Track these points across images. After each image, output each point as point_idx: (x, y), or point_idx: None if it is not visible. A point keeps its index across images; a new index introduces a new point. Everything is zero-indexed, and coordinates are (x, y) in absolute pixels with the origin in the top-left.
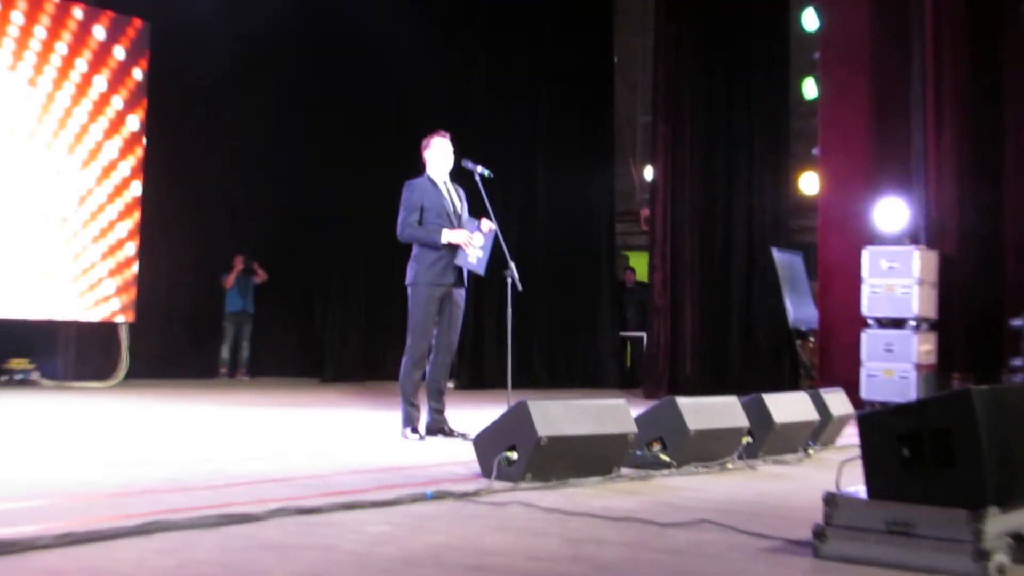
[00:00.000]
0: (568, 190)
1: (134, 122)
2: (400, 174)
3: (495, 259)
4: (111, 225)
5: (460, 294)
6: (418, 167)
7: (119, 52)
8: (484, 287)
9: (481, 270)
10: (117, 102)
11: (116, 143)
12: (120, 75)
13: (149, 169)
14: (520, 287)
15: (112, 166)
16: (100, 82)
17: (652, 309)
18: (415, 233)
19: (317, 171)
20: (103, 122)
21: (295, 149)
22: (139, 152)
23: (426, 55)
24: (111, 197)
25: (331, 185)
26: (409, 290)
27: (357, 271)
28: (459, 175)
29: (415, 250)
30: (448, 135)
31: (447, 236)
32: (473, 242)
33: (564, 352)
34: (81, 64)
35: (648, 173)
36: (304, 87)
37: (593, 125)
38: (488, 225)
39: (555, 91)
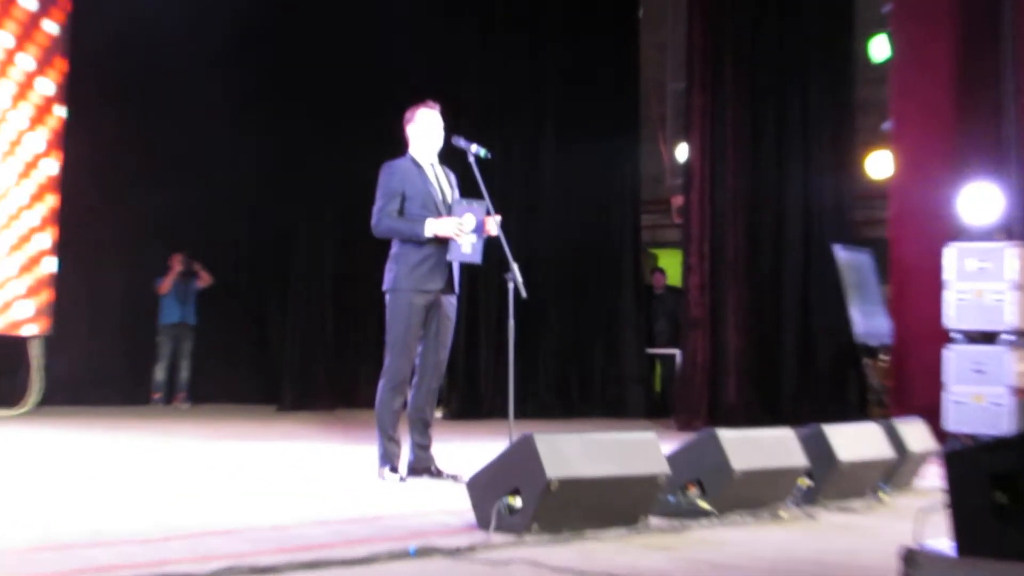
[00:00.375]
0: (583, 174)
1: (46, 87)
2: (375, 160)
3: (493, 260)
4: (19, 212)
5: (450, 303)
6: (398, 149)
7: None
8: (480, 293)
9: (478, 258)
10: (26, 62)
11: (25, 111)
12: (29, 29)
13: (69, 147)
14: (524, 293)
15: (19, 140)
16: (5, 38)
17: (687, 320)
18: (393, 225)
19: (275, 156)
20: (9, 86)
21: (250, 129)
22: (54, 124)
23: (409, 11)
24: (19, 177)
25: (291, 172)
26: (388, 298)
27: (323, 275)
28: (449, 156)
29: (394, 248)
30: (437, 106)
31: (432, 228)
32: (464, 226)
33: (579, 373)
34: None
35: (681, 152)
36: (264, 58)
37: (613, 93)
38: (470, 217)
39: (566, 53)
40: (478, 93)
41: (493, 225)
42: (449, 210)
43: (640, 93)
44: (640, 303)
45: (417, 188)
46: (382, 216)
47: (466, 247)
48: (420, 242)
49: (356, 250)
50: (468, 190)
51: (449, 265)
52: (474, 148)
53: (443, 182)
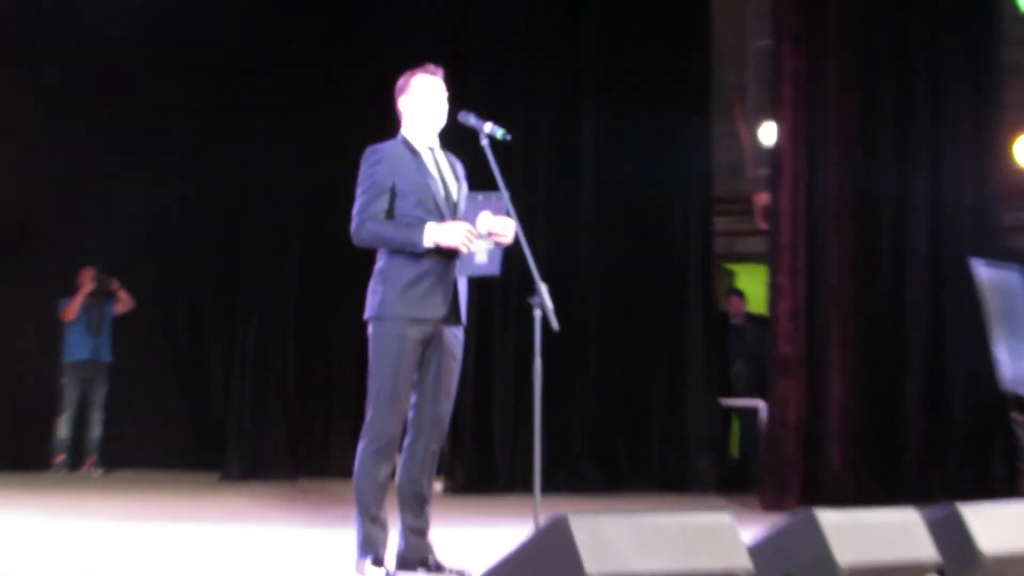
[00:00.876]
0: (634, 163)
1: None
2: (351, 148)
3: (514, 278)
4: None
5: (455, 336)
6: (386, 132)
7: None
8: (495, 323)
9: (496, 269)
10: None
11: None
12: None
13: None
14: (556, 324)
15: None
16: None
17: (775, 361)
18: (380, 232)
19: (218, 144)
20: None
21: (183, 110)
22: None
23: None
24: None
25: (239, 165)
26: (371, 329)
27: (283, 299)
28: (455, 138)
29: (380, 261)
30: (439, 72)
31: (433, 235)
32: (479, 229)
33: (628, 433)
34: None
35: (767, 134)
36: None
37: (676, 53)
38: (487, 219)
39: (612, 3)
40: (494, 53)
41: (505, 227)
42: (455, 210)
43: (712, 53)
44: (711, 337)
45: (411, 181)
46: (364, 219)
47: (480, 255)
48: (416, 254)
49: (327, 266)
50: (480, 184)
51: (455, 285)
52: (488, 127)
53: (446, 173)
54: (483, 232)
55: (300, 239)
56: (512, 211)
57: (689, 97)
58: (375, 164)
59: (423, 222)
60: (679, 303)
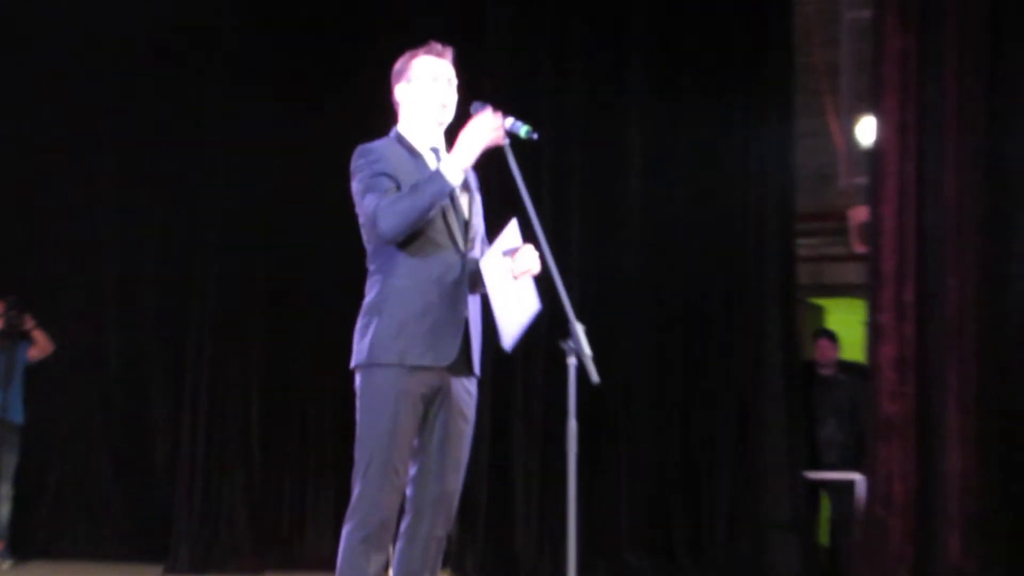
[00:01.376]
0: (694, 170)
1: None
2: (332, 149)
3: (540, 318)
4: None
5: (467, 391)
6: (373, 129)
7: None
8: (515, 374)
9: (535, 303)
10: None
11: None
12: None
13: None
14: (595, 376)
15: None
16: None
17: (876, 422)
18: (406, 204)
19: (159, 158)
20: None
21: (118, 120)
22: None
23: None
24: None
25: (188, 183)
26: (359, 380)
27: (245, 345)
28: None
29: (371, 292)
30: (448, 51)
31: (457, 161)
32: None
33: (686, 513)
34: None
35: (866, 132)
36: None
37: (747, 35)
38: (511, 240)
39: None
40: (516, 31)
41: (529, 260)
42: (466, 229)
43: (794, 29)
44: (793, 392)
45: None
46: (381, 201)
47: (513, 310)
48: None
49: (302, 304)
50: (501, 192)
51: (466, 323)
52: (509, 123)
53: None
54: (508, 271)
55: (267, 271)
56: (539, 231)
57: (764, 85)
58: (371, 161)
59: (439, 175)
60: (752, 349)
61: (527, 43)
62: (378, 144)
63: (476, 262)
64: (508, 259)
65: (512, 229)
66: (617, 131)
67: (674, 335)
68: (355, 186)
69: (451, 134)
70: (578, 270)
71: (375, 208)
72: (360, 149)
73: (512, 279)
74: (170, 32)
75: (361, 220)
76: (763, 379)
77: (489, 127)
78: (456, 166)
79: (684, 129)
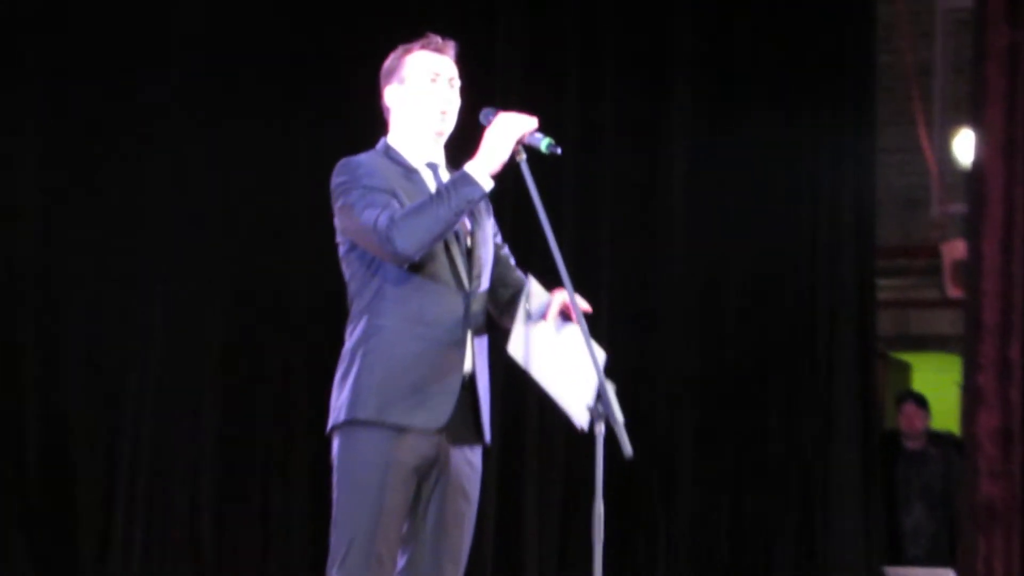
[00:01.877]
0: (749, 195)
1: None
2: (310, 169)
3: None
4: None
5: (469, 463)
6: (354, 142)
7: None
8: (525, 441)
9: (595, 352)
10: None
11: None
12: None
13: None
14: (628, 448)
15: None
16: None
17: (974, 506)
18: (423, 214)
19: (90, 169)
20: None
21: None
22: None
23: None
24: None
25: (131, 196)
26: (336, 446)
27: (196, 408)
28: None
29: (354, 335)
30: (451, 46)
31: (490, 158)
32: (541, 334)
33: None
34: None
35: (963, 147)
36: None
37: (819, 31)
38: (558, 303)
39: None
40: (533, 24)
41: (572, 304)
42: (470, 260)
43: (878, 24)
44: (871, 468)
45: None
46: (392, 215)
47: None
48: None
49: (265, 351)
50: (518, 220)
51: (469, 378)
52: (528, 135)
53: None
54: (545, 332)
55: (223, 313)
56: (562, 269)
57: (840, 91)
58: (362, 176)
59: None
60: (820, 415)
61: (545, 39)
62: (365, 157)
63: (484, 298)
64: (542, 324)
65: (533, 288)
66: (655, 148)
67: (724, 396)
68: (341, 205)
69: (452, 147)
70: (608, 317)
71: (386, 223)
72: (343, 163)
73: (556, 345)
74: None
75: (344, 250)
76: (834, 452)
77: (521, 124)
78: (485, 169)
79: (737, 144)
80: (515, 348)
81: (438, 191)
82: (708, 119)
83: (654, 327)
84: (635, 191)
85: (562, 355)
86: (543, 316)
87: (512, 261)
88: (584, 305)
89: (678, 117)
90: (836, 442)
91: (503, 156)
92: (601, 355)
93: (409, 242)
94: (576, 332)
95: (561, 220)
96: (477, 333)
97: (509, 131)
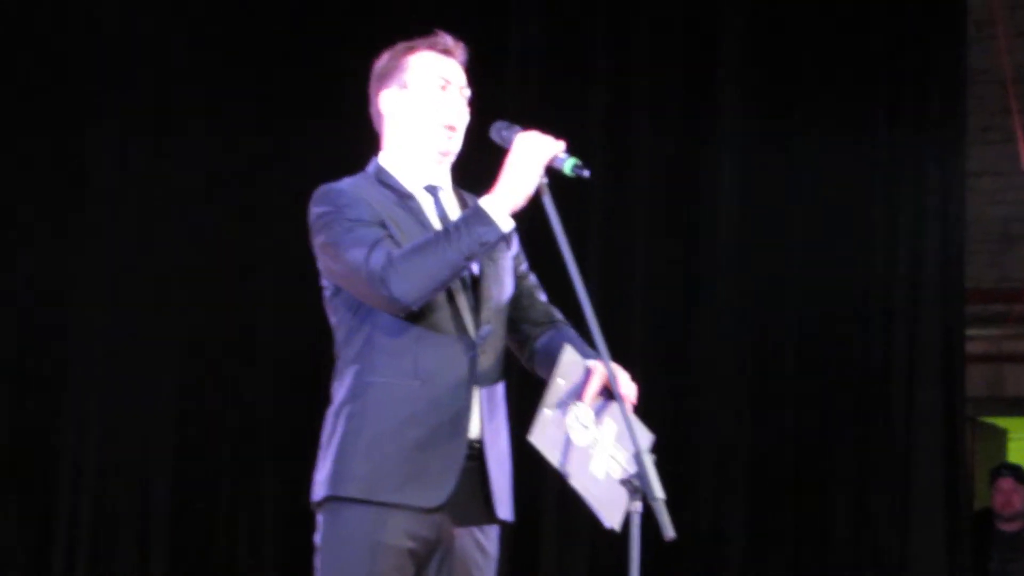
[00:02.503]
0: (810, 220)
1: None
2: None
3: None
4: None
5: (479, 546)
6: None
7: None
8: (542, 515)
9: (644, 438)
10: None
11: None
12: None
13: None
14: (670, 530)
15: None
16: None
17: None
18: (425, 253)
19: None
20: None
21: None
22: None
23: None
24: None
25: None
26: (321, 524)
27: (158, 466)
28: (482, 172)
29: (340, 392)
30: (460, 48)
31: (513, 190)
32: (577, 416)
33: None
34: None
35: None
36: None
37: (893, 21)
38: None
39: None
40: (552, 23)
41: (602, 380)
42: (477, 302)
43: (968, 23)
44: (959, 553)
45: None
46: (389, 254)
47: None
48: (405, 372)
49: (234, 419)
50: (541, 260)
51: (478, 445)
52: (554, 157)
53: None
54: (581, 420)
55: (178, 372)
56: (596, 330)
57: (921, 103)
58: (344, 206)
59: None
60: (898, 491)
61: (565, 41)
62: (349, 183)
63: (497, 345)
64: (576, 408)
65: (565, 359)
66: (696, 174)
67: (780, 471)
68: (323, 243)
69: (459, 169)
70: (641, 376)
71: (381, 264)
72: (323, 192)
73: (591, 432)
74: None
75: (328, 294)
76: (914, 535)
77: (548, 146)
78: (505, 205)
79: (797, 170)
80: (540, 438)
81: (446, 229)
82: (761, 139)
83: (695, 390)
84: (673, 227)
85: (598, 445)
86: (579, 397)
87: (541, 294)
88: (629, 386)
89: (725, 137)
90: (916, 526)
91: (528, 190)
92: (647, 438)
93: (407, 288)
94: (617, 413)
95: (584, 260)
96: (489, 390)
97: (535, 157)
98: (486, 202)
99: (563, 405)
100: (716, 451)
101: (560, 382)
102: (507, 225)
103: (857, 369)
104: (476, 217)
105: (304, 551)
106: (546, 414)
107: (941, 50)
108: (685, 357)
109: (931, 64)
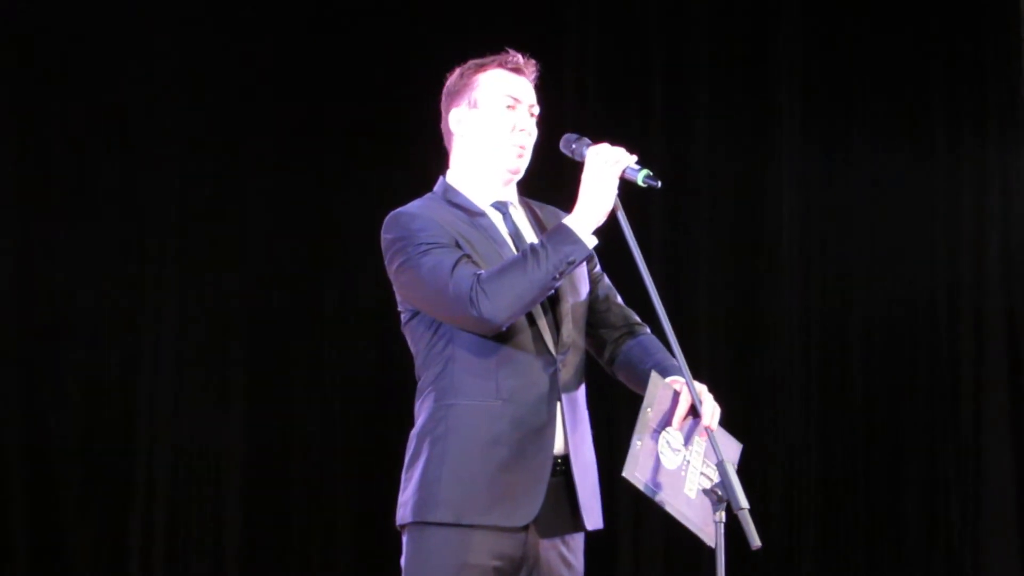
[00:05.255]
0: (874, 237)
1: None
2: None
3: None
4: None
5: (562, 560)
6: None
7: None
8: (619, 526)
9: (734, 453)
10: None
11: None
12: None
13: None
14: (755, 539)
15: None
16: None
17: None
18: (512, 273)
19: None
20: None
21: None
22: None
23: None
24: None
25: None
26: (404, 544)
27: (218, 516)
28: (557, 186)
29: (422, 415)
30: (532, 66)
31: (594, 206)
32: (670, 441)
33: None
34: None
35: None
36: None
37: (951, 39)
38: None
39: None
40: (618, 37)
41: (689, 404)
42: (557, 320)
43: (1022, 22)
44: None
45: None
46: (476, 274)
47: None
48: (488, 393)
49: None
50: (622, 280)
51: (563, 460)
52: (628, 170)
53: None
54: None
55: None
56: (678, 351)
57: (981, 104)
58: (419, 230)
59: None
60: (967, 535)
61: (623, 53)
62: (418, 205)
63: (578, 358)
64: (668, 434)
65: (655, 386)
66: (763, 177)
67: (850, 477)
68: (399, 267)
69: (527, 184)
70: (709, 383)
71: (469, 285)
72: (393, 217)
73: (683, 457)
74: None
75: (405, 318)
76: (986, 539)
77: (622, 158)
78: (589, 223)
79: (857, 173)
80: (633, 472)
81: (532, 248)
82: (821, 147)
83: (764, 399)
84: (735, 235)
85: (689, 465)
86: (668, 423)
87: (616, 296)
88: (712, 405)
89: (784, 145)
90: (987, 531)
91: (608, 204)
92: (736, 448)
93: (497, 309)
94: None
95: (649, 268)
96: (570, 403)
97: (611, 170)
98: (571, 220)
99: (654, 433)
100: (785, 457)
101: (649, 412)
102: (591, 241)
103: (925, 374)
104: (562, 236)
105: (377, 565)
106: (637, 445)
107: (998, 51)
108: (749, 365)
109: (988, 65)
